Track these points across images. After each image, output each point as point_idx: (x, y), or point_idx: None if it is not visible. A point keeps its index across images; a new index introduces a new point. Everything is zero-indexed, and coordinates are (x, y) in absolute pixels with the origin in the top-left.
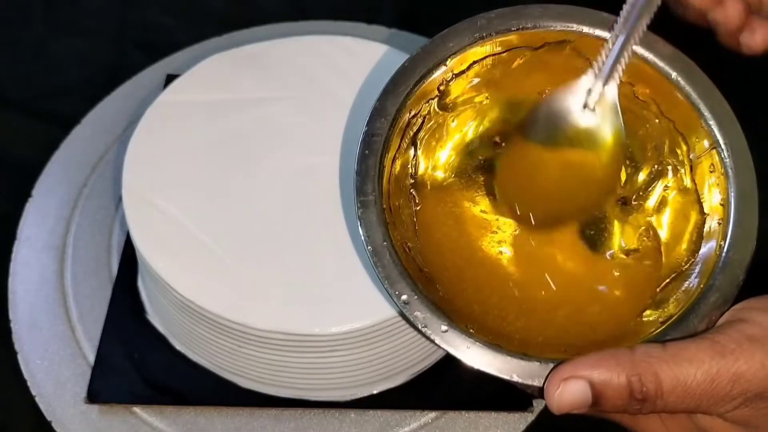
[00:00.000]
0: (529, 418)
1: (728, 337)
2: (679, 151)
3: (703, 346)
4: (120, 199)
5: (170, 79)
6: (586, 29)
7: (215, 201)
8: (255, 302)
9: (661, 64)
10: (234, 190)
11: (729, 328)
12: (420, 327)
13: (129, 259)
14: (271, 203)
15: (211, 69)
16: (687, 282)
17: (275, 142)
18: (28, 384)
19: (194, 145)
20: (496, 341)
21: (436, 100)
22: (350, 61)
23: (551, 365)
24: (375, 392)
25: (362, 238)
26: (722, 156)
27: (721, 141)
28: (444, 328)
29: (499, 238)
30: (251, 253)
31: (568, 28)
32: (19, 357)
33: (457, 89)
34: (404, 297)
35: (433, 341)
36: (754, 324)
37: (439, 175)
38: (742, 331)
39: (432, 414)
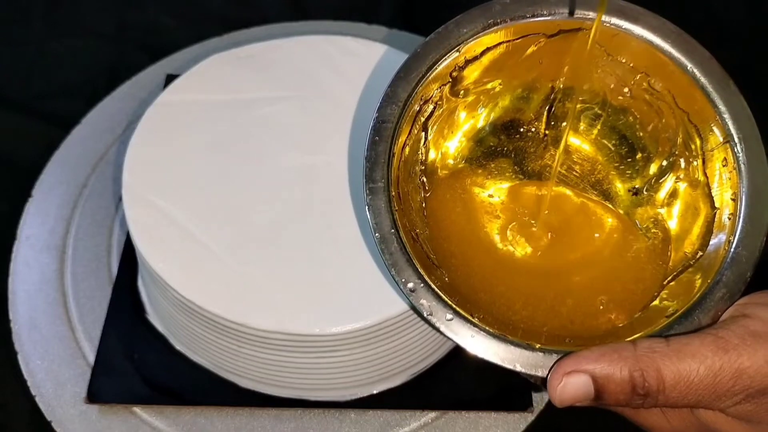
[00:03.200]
0: (529, 418)
1: (732, 333)
2: (692, 144)
3: (706, 341)
4: (120, 199)
5: (170, 79)
6: (602, 17)
7: (215, 201)
8: (255, 302)
9: (676, 54)
10: (234, 189)
11: (733, 324)
12: (425, 315)
13: (129, 259)
14: (271, 203)
15: (211, 69)
16: (694, 276)
17: (275, 142)
18: (28, 384)
19: (194, 145)
20: (501, 331)
21: (448, 86)
22: (350, 61)
23: (555, 356)
24: (375, 392)
25: (370, 225)
26: (735, 150)
27: (734, 135)
28: (449, 316)
29: (505, 227)
30: (251, 253)
31: (584, 16)
32: (19, 357)
33: (469, 75)
34: (410, 285)
35: (438, 329)
36: (758, 320)
37: (450, 161)
38: (745, 327)
39: (432, 414)
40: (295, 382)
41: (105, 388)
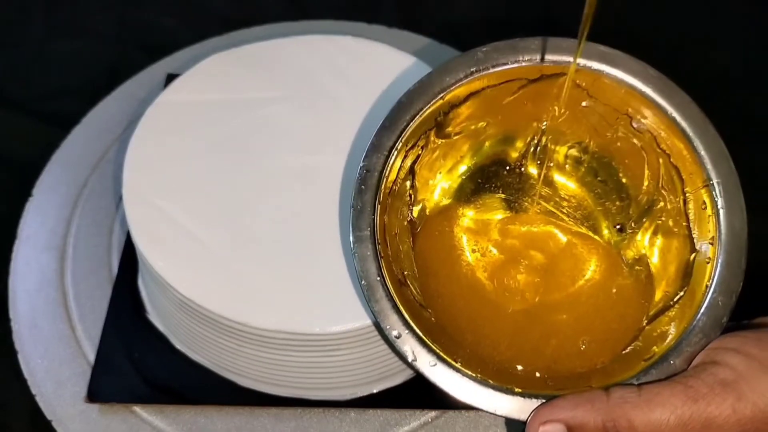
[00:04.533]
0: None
1: (701, 382)
2: (672, 185)
3: (676, 390)
4: (120, 198)
5: (170, 79)
6: (583, 62)
7: (215, 200)
8: (255, 302)
9: (657, 98)
10: (234, 189)
11: (702, 372)
12: (410, 360)
13: (129, 258)
14: (271, 202)
15: (211, 69)
16: (673, 318)
17: (275, 142)
18: (28, 384)
19: (194, 144)
20: (483, 374)
21: (434, 130)
22: (350, 61)
23: (534, 401)
24: (375, 391)
25: (357, 272)
26: (714, 194)
27: (713, 179)
28: (432, 362)
29: (492, 266)
30: (251, 252)
31: (566, 62)
32: (19, 357)
33: (455, 119)
34: (395, 332)
35: (422, 375)
36: (726, 367)
37: (437, 200)
38: (714, 375)
39: (432, 413)
40: (295, 381)
41: (105, 387)
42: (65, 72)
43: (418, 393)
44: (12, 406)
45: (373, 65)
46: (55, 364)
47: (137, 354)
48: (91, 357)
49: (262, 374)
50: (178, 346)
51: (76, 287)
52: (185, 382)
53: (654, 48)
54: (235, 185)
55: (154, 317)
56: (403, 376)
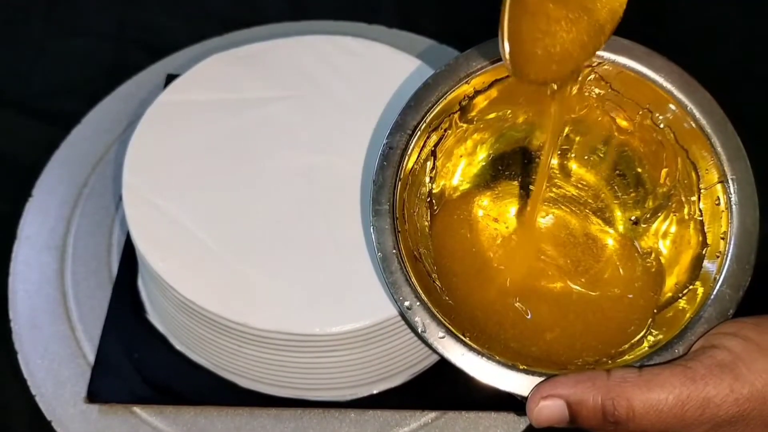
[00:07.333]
0: None
1: (699, 363)
2: (689, 181)
3: (675, 371)
4: (120, 199)
5: (170, 79)
6: (608, 56)
7: (215, 201)
8: (255, 302)
9: (678, 94)
10: (234, 189)
11: (701, 355)
12: (419, 331)
13: (129, 258)
14: (271, 203)
15: (211, 69)
16: (681, 309)
17: (275, 142)
18: (28, 384)
19: (194, 144)
20: (490, 350)
21: (457, 114)
22: (350, 61)
23: (536, 378)
24: (375, 392)
25: (374, 244)
26: (728, 191)
27: (728, 176)
28: (441, 334)
29: (507, 252)
30: (251, 252)
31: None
32: (19, 357)
33: (478, 105)
34: (407, 303)
35: (430, 345)
36: (724, 350)
37: (457, 184)
38: (713, 357)
39: (432, 414)
40: (295, 381)
41: (105, 387)
42: (65, 72)
43: (418, 394)
44: (12, 406)
45: (373, 65)
46: (55, 365)
47: (137, 354)
48: (91, 357)
49: (261, 375)
50: (178, 346)
51: (76, 287)
52: (185, 383)
53: (655, 46)
54: (234, 185)
55: (154, 318)
56: (403, 377)
